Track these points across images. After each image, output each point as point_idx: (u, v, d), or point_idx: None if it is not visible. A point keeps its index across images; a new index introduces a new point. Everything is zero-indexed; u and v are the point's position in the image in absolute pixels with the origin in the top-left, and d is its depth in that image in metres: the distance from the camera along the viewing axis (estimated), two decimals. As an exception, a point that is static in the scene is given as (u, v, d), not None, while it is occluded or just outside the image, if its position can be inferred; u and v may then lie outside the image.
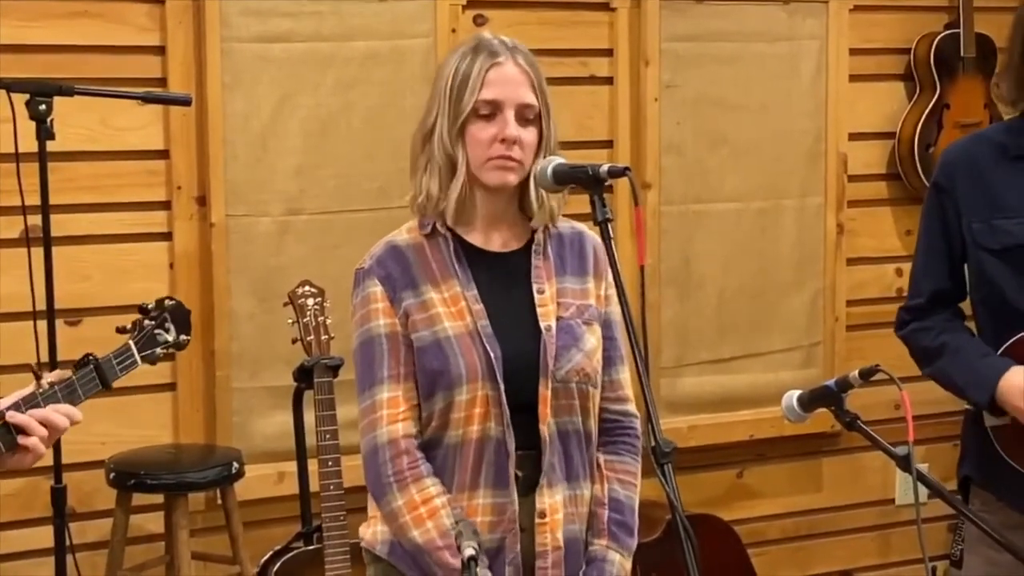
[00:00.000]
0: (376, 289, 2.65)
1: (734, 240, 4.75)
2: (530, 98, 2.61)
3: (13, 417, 2.32)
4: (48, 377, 2.40)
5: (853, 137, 4.92)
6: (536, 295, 2.65)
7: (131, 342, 2.55)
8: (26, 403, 2.35)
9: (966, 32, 4.89)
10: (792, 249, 4.84)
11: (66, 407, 2.37)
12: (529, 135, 2.61)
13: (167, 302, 2.65)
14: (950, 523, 5.15)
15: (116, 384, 2.49)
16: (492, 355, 2.58)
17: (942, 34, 4.90)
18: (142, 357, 2.56)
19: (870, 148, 4.98)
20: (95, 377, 2.44)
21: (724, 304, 4.76)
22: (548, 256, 2.69)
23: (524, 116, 2.61)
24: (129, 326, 2.59)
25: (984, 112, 4.94)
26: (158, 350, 2.60)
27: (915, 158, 4.90)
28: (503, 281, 2.67)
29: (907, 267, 4.92)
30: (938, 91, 4.89)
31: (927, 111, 4.89)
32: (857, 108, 4.91)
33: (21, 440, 2.31)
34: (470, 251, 2.67)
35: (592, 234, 2.72)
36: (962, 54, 4.89)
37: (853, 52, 4.88)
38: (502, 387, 2.58)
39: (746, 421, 4.80)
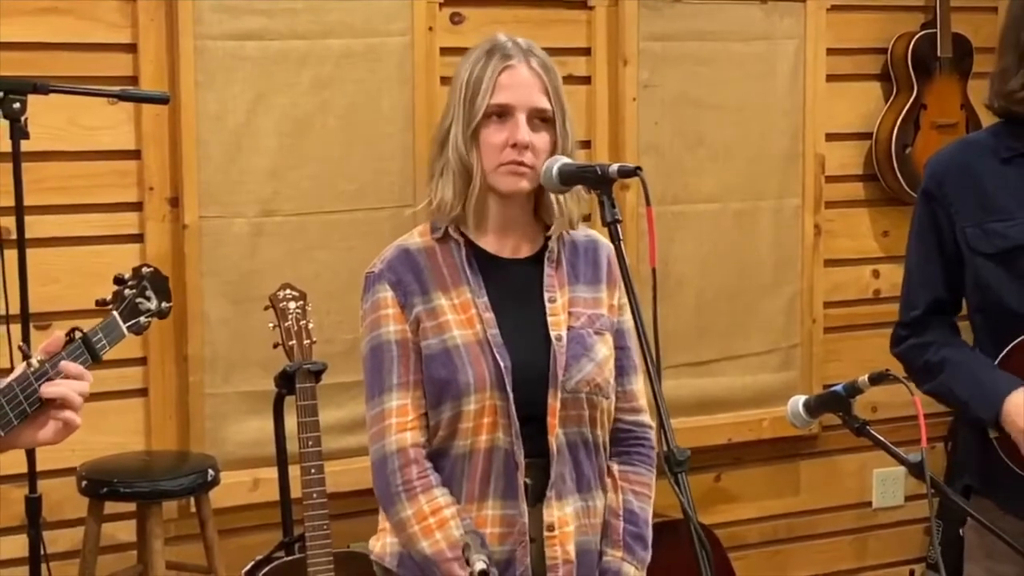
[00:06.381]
0: (387, 294, 2.59)
1: (712, 241, 4.70)
2: (543, 102, 2.55)
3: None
4: (37, 355, 2.33)
5: (830, 138, 4.88)
6: (547, 304, 2.60)
7: (115, 313, 2.49)
8: (19, 384, 2.28)
9: (943, 32, 4.86)
10: (770, 251, 4.79)
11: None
12: (541, 140, 2.55)
13: (144, 269, 2.58)
14: (926, 526, 5.13)
15: (105, 357, 2.41)
16: (502, 365, 2.53)
17: (919, 34, 4.87)
18: (128, 327, 2.50)
19: (847, 149, 4.95)
20: (84, 352, 2.37)
21: (702, 306, 4.70)
22: (561, 264, 2.64)
23: (536, 120, 2.55)
24: (110, 297, 2.52)
25: (960, 113, 4.92)
26: (142, 319, 2.54)
27: (892, 159, 4.86)
28: (515, 289, 2.61)
29: (884, 268, 4.98)
30: (915, 91, 4.86)
31: (904, 111, 4.86)
32: (834, 108, 4.87)
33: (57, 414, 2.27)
34: (482, 257, 2.61)
35: (607, 242, 2.66)
36: (939, 54, 4.86)
37: (830, 52, 4.84)
38: (511, 397, 2.52)
39: (724, 424, 4.76)
